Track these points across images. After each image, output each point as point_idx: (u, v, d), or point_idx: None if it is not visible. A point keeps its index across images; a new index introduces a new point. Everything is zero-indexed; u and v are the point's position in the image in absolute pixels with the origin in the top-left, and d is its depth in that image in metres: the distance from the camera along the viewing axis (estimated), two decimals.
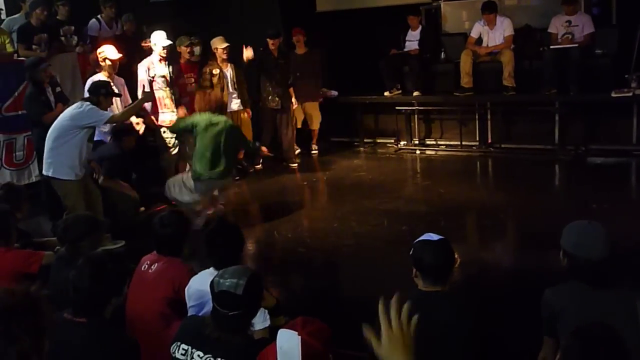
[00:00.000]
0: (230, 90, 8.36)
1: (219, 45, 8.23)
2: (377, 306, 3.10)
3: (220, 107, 7.15)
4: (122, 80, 7.31)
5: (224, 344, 2.77)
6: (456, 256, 5.51)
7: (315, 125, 9.68)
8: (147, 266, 3.81)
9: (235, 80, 8.43)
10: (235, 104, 8.44)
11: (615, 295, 2.92)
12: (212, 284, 2.85)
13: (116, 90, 6.65)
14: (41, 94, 6.88)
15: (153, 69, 7.55)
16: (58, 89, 7.30)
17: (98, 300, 2.91)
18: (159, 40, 7.55)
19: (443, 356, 2.92)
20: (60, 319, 2.87)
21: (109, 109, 6.30)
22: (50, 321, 2.00)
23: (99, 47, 7.45)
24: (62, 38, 8.64)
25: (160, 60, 7.58)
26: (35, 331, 1.92)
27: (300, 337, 2.52)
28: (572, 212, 6.01)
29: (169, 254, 3.83)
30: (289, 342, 2.54)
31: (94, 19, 9.02)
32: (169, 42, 7.61)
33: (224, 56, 8.24)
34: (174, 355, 2.90)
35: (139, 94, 7.48)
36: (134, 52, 8.16)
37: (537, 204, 6.80)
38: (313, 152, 9.83)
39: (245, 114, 8.62)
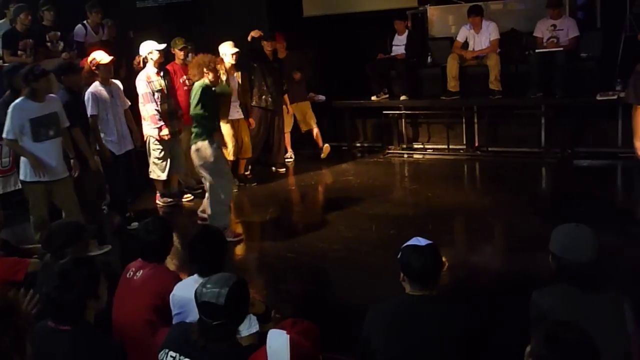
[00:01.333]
0: (234, 99, 8.08)
1: (229, 50, 7.90)
2: (365, 311, 3.13)
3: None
4: (118, 84, 7.23)
5: (211, 352, 2.75)
6: (444, 260, 5.56)
7: (313, 124, 9.56)
8: (132, 273, 3.78)
9: (240, 89, 8.25)
10: (237, 113, 8.19)
11: (602, 298, 2.93)
12: (195, 293, 2.83)
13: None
14: None
15: (152, 83, 7.50)
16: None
17: (72, 308, 2.87)
18: (152, 46, 7.50)
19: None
20: (44, 327, 2.85)
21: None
22: (29, 322, 2.00)
23: (88, 54, 7.40)
24: (48, 44, 8.61)
25: (157, 72, 7.54)
26: (15, 331, 1.95)
27: (289, 335, 2.52)
28: (559, 214, 6.04)
29: (154, 260, 3.81)
30: (278, 341, 2.54)
31: (80, 25, 8.99)
32: (164, 45, 7.58)
33: (234, 61, 7.94)
34: None
35: (141, 108, 7.53)
36: (120, 57, 8.11)
37: (524, 207, 6.83)
38: (322, 155, 9.61)
39: (245, 123, 8.43)
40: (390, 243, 5.69)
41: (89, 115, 6.79)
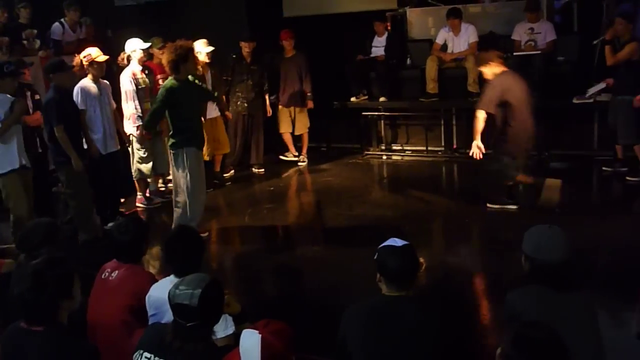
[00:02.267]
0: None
1: (204, 49, 7.89)
2: (342, 311, 3.13)
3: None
4: (108, 84, 7.16)
5: (186, 352, 2.74)
6: (421, 261, 5.59)
7: (298, 130, 9.45)
8: (107, 274, 3.75)
9: (212, 85, 8.12)
10: (214, 111, 8.16)
11: (575, 298, 2.97)
12: (169, 295, 2.81)
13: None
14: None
15: (137, 80, 7.45)
16: (37, 97, 7.21)
17: (45, 308, 2.85)
18: (137, 45, 7.45)
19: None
20: (16, 328, 2.82)
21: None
22: None
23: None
24: (24, 42, 8.51)
25: (142, 70, 7.50)
26: None
27: (260, 335, 2.51)
28: (535, 216, 6.09)
29: (128, 260, 3.78)
30: (249, 340, 2.54)
31: (57, 23, 8.90)
32: (148, 44, 7.55)
33: (207, 60, 7.94)
34: None
35: (123, 106, 7.45)
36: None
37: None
38: (300, 162, 9.52)
39: (221, 122, 8.37)
40: (368, 244, 5.65)
41: (79, 110, 6.74)
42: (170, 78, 6.26)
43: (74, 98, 6.73)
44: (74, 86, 6.76)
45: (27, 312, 2.85)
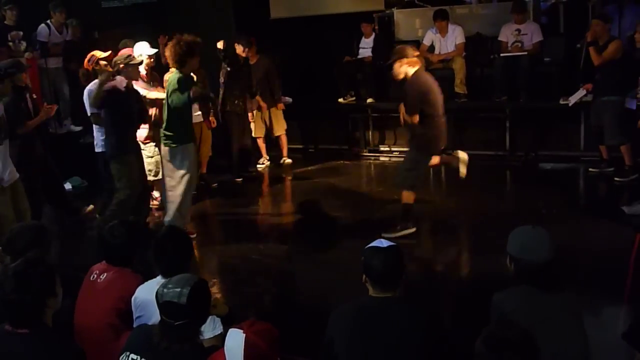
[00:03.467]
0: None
1: None
2: (329, 313, 3.13)
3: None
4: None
5: (172, 353, 2.74)
6: (410, 261, 5.59)
7: (277, 132, 9.37)
8: (96, 276, 3.73)
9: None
10: (198, 115, 7.89)
11: (561, 298, 2.99)
12: (156, 294, 2.82)
13: None
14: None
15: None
16: (34, 96, 7.17)
17: (31, 309, 2.84)
18: (144, 50, 7.31)
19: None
20: (1, 331, 2.80)
21: None
22: None
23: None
24: (10, 43, 8.45)
25: (147, 75, 7.40)
26: None
27: (245, 334, 2.52)
28: (523, 216, 6.11)
29: (119, 264, 3.77)
30: (234, 339, 2.55)
31: (43, 24, 8.87)
32: (155, 50, 7.43)
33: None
34: None
35: (87, 107, 7.33)
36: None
37: (488, 209, 6.91)
38: (284, 161, 9.50)
39: (205, 126, 8.17)
40: (356, 245, 5.68)
41: (89, 114, 6.67)
42: (175, 72, 6.11)
43: (85, 101, 6.69)
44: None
45: (12, 314, 2.83)
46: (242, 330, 2.55)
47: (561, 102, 8.38)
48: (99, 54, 6.84)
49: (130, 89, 6.37)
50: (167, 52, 6.16)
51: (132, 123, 6.46)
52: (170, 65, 6.24)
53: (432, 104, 6.02)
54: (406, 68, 6.01)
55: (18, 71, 6.42)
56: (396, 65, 6.04)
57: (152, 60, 7.45)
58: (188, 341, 2.78)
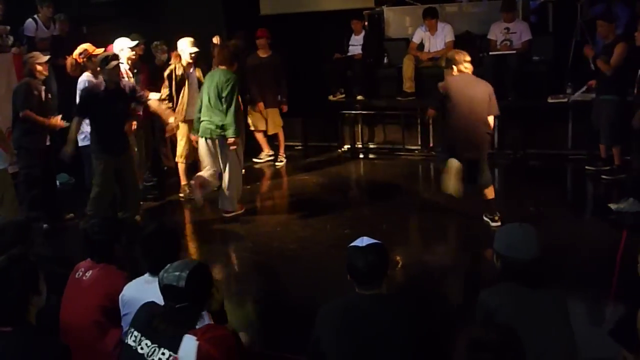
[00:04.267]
0: (190, 97, 7.55)
1: (187, 49, 7.51)
2: (318, 310, 3.13)
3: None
4: None
5: (170, 336, 2.77)
6: (397, 258, 5.61)
7: (272, 130, 9.29)
8: (81, 273, 3.71)
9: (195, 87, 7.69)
10: (191, 112, 7.58)
11: (548, 295, 3.00)
12: (159, 278, 2.90)
13: None
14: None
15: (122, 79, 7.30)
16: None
17: (13, 307, 2.82)
18: (125, 44, 7.28)
19: (380, 359, 2.93)
20: None
21: None
22: None
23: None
24: None
25: (129, 68, 7.35)
26: None
27: (198, 342, 2.51)
28: (510, 214, 6.13)
29: (102, 260, 3.75)
30: (187, 345, 2.57)
31: (30, 19, 8.79)
32: (136, 42, 7.39)
33: (190, 60, 7.55)
34: (126, 340, 2.92)
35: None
36: (72, 52, 7.95)
37: (476, 207, 6.91)
38: (278, 162, 9.33)
39: None
40: (345, 242, 5.61)
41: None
42: (224, 69, 6.79)
43: (78, 96, 6.66)
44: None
45: None
46: (195, 338, 2.54)
47: (549, 100, 8.40)
48: (91, 49, 6.78)
49: (112, 89, 6.28)
50: (217, 53, 7.02)
51: (114, 123, 6.34)
52: (218, 65, 6.97)
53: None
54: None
55: (36, 61, 6.47)
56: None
57: (135, 52, 7.42)
58: (187, 325, 2.80)
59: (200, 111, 6.85)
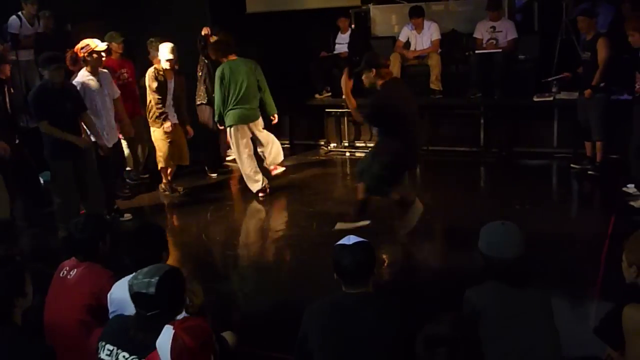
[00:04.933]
0: (168, 102, 7.61)
1: (165, 55, 7.46)
2: (304, 308, 3.12)
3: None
4: (107, 72, 7.03)
5: (148, 345, 2.69)
6: (384, 257, 5.60)
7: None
8: (66, 272, 3.68)
9: (175, 94, 7.67)
10: (173, 117, 7.69)
11: (531, 294, 3.01)
12: (128, 285, 2.80)
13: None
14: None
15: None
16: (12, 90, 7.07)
17: (0, 308, 2.79)
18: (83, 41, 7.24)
19: (366, 358, 2.93)
20: None
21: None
22: None
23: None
24: None
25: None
26: None
27: (174, 331, 2.49)
28: (496, 212, 6.15)
29: (86, 259, 3.72)
30: (164, 335, 2.51)
31: (14, 16, 8.72)
32: (104, 44, 7.31)
33: (168, 67, 7.49)
34: (99, 355, 2.84)
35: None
36: (57, 50, 7.88)
37: (463, 205, 6.94)
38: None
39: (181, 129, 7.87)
40: (331, 241, 5.62)
41: None
42: (238, 58, 7.48)
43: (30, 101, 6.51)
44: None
45: None
46: (172, 327, 2.52)
47: (535, 99, 8.44)
48: (93, 45, 6.71)
49: (58, 89, 6.19)
50: (221, 44, 7.55)
51: (64, 125, 6.20)
52: (227, 56, 7.46)
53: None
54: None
55: None
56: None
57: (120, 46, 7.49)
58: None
59: (228, 103, 7.36)
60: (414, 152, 5.99)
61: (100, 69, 6.86)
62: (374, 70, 5.70)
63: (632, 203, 6.42)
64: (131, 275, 3.37)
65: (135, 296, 2.76)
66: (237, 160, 7.65)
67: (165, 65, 7.48)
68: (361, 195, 6.03)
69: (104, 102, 6.82)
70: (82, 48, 6.70)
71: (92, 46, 6.69)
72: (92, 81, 6.71)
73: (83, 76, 6.71)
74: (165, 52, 7.47)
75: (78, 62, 6.79)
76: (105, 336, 2.87)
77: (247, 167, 7.51)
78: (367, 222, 6.02)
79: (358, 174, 6.06)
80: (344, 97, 6.19)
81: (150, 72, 7.51)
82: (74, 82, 6.64)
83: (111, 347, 2.80)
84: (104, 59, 6.94)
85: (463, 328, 2.39)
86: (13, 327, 2.82)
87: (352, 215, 6.09)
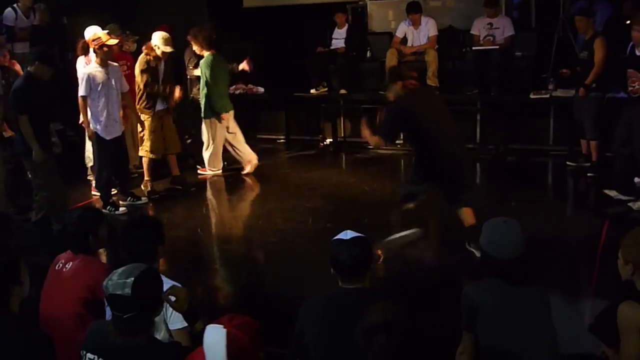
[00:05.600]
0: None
1: (162, 46, 7.44)
2: (300, 303, 3.12)
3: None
4: (117, 66, 7.02)
5: (128, 349, 2.64)
6: (379, 253, 5.60)
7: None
8: (61, 265, 3.67)
9: (163, 78, 7.66)
10: (160, 104, 7.68)
11: (530, 291, 3.00)
12: (103, 287, 2.71)
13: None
14: None
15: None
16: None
17: None
18: (95, 34, 7.21)
19: (362, 353, 2.92)
20: None
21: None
22: None
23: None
24: None
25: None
26: None
27: (225, 329, 2.44)
28: (493, 209, 6.12)
29: (81, 252, 3.71)
30: (214, 335, 2.44)
31: (9, 8, 8.68)
32: (106, 31, 7.32)
33: (161, 55, 7.50)
34: None
35: (80, 89, 7.23)
36: (52, 42, 7.86)
37: None
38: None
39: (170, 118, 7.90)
40: (327, 236, 5.62)
41: (79, 96, 6.66)
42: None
43: (79, 82, 6.68)
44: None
45: None
46: (222, 326, 2.47)
47: (532, 96, 8.44)
48: (105, 38, 6.70)
49: (46, 86, 6.19)
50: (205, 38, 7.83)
51: (39, 120, 6.18)
52: (209, 50, 7.86)
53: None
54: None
55: None
56: None
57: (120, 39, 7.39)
58: (141, 334, 2.66)
59: (220, 93, 7.94)
60: (455, 167, 5.45)
61: (110, 63, 6.87)
62: (399, 82, 5.45)
63: (630, 204, 6.39)
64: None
65: (111, 298, 2.65)
66: (211, 143, 8.13)
67: (158, 53, 7.50)
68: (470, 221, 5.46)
69: (110, 94, 6.81)
70: (93, 40, 6.69)
71: (104, 39, 6.69)
72: (99, 72, 6.73)
73: (91, 67, 6.75)
74: (161, 44, 7.47)
75: (88, 52, 6.87)
76: (86, 345, 2.78)
77: (220, 149, 8.18)
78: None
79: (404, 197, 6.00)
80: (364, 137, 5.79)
81: (141, 58, 7.52)
82: (81, 71, 6.66)
83: (92, 356, 2.71)
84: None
85: (395, 314, 2.41)
86: (11, 315, 2.82)
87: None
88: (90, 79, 6.68)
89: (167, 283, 2.98)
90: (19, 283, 2.87)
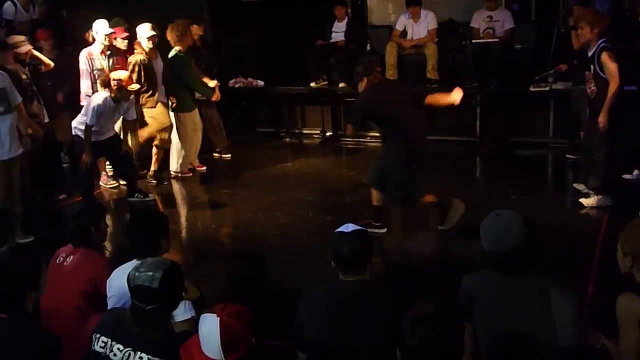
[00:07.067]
0: (158, 82, 7.70)
1: (146, 33, 7.52)
2: (301, 296, 3.13)
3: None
4: (133, 100, 7.07)
5: (144, 338, 2.71)
6: (380, 245, 5.61)
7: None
8: (62, 259, 3.69)
9: (163, 74, 7.79)
10: (163, 97, 7.79)
11: (529, 282, 3.01)
12: (128, 277, 2.77)
13: None
14: None
15: (93, 61, 7.26)
16: None
17: (10, 299, 2.79)
18: (101, 28, 7.24)
19: (363, 345, 2.94)
20: None
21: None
22: None
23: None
24: None
25: (101, 52, 7.30)
26: None
27: (219, 318, 2.49)
28: (492, 202, 6.16)
29: (81, 245, 3.72)
30: (208, 324, 2.51)
31: (9, 2, 8.62)
32: (111, 30, 7.33)
33: (151, 45, 7.54)
34: (93, 347, 2.83)
35: (82, 84, 7.22)
36: (53, 36, 7.82)
37: (458, 195, 6.92)
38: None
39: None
40: (327, 229, 5.64)
41: (86, 124, 6.54)
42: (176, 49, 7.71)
43: (86, 110, 6.62)
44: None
45: None
46: (215, 314, 2.52)
47: (531, 89, 8.44)
48: (127, 82, 6.72)
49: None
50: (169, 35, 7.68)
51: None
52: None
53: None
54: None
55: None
56: None
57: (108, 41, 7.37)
58: (160, 326, 2.74)
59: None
60: (417, 150, 5.88)
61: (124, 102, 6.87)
62: (365, 79, 5.86)
63: (582, 200, 6.38)
64: (132, 263, 3.39)
65: (136, 289, 2.71)
66: (184, 141, 7.99)
67: (148, 44, 7.51)
68: (376, 202, 6.00)
69: (112, 119, 6.88)
70: (114, 79, 6.64)
71: (125, 82, 6.66)
72: (111, 105, 6.70)
73: (104, 99, 6.63)
74: (146, 30, 7.52)
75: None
76: (100, 328, 2.85)
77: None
78: (384, 231, 5.98)
79: (372, 182, 6.00)
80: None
81: (131, 59, 7.49)
82: (94, 102, 6.59)
83: (105, 339, 2.78)
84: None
85: (445, 309, 2.55)
86: (24, 314, 2.84)
87: (370, 222, 5.93)
88: (99, 112, 6.59)
89: None
90: (36, 288, 2.88)
